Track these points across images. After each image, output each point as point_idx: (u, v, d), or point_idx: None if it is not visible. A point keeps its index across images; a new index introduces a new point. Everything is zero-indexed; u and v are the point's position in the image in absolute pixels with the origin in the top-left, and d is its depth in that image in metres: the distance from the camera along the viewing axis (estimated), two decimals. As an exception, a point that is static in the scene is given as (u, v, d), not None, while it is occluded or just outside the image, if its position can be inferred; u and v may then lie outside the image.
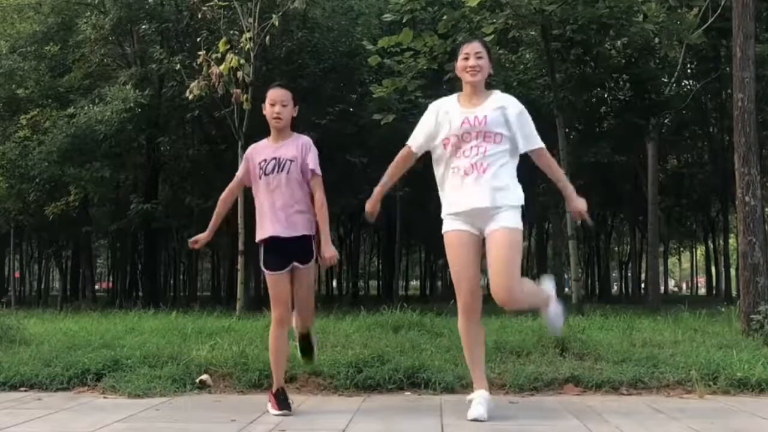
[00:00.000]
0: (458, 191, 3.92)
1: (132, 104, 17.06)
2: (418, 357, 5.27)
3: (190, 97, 12.10)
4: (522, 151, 3.99)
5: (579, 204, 4.03)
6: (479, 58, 3.98)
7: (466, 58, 3.99)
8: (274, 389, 4.17)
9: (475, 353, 4.10)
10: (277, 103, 4.19)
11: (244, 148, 12.97)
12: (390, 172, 4.34)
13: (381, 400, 4.61)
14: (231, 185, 4.39)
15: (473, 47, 4.00)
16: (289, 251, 4.13)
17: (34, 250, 36.79)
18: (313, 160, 4.18)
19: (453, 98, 4.12)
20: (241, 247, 11.98)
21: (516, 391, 4.77)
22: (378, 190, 4.35)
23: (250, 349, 5.51)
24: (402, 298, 21.17)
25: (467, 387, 4.87)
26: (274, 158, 4.17)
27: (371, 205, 4.34)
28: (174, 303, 18.36)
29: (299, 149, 4.19)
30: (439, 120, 4.03)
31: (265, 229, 4.16)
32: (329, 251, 4.12)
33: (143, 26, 19.96)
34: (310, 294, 4.27)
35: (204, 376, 5.05)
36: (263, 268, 4.19)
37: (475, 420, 3.85)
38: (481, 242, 3.95)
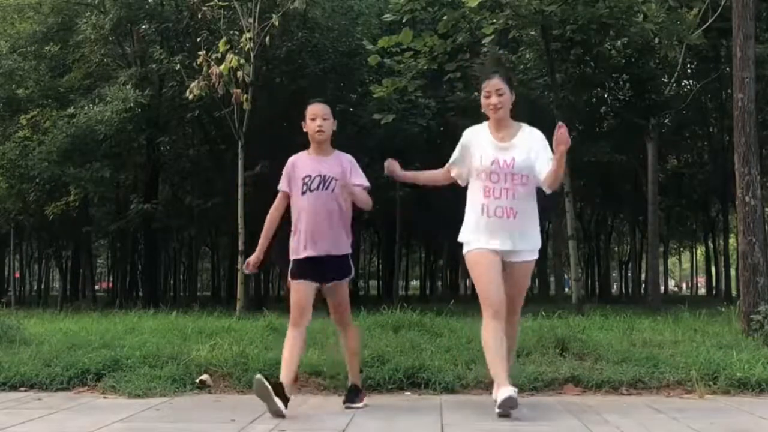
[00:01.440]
0: (479, 231, 4.15)
1: (132, 104, 17.05)
2: (418, 357, 5.27)
3: (190, 97, 12.11)
4: (541, 177, 4.16)
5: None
6: (500, 95, 4.14)
7: (488, 96, 4.16)
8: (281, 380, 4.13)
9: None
10: (318, 117, 4.27)
11: (244, 148, 13.07)
12: (424, 172, 4.73)
13: (381, 400, 4.61)
14: (277, 203, 4.35)
15: (494, 84, 4.15)
16: (324, 269, 4.19)
17: (34, 250, 36.77)
18: (361, 178, 4.29)
19: (483, 127, 4.28)
20: (241, 247, 11.98)
21: (516, 391, 4.76)
22: (405, 174, 4.57)
23: (250, 349, 5.52)
24: (402, 298, 21.16)
25: (467, 387, 4.88)
26: (319, 174, 4.20)
27: (393, 170, 4.46)
28: (174, 303, 18.35)
29: (344, 167, 4.26)
30: (472, 148, 4.22)
31: (304, 250, 4.18)
32: (353, 188, 4.21)
33: (143, 26, 19.96)
34: (346, 304, 4.37)
35: (204, 376, 5.05)
36: (290, 279, 4.23)
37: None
38: (501, 261, 4.17)
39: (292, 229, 4.26)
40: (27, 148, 17.80)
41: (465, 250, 4.23)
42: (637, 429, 3.73)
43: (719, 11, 11.04)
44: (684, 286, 63.30)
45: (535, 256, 4.27)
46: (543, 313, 7.80)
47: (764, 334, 6.23)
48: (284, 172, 4.34)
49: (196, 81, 12.00)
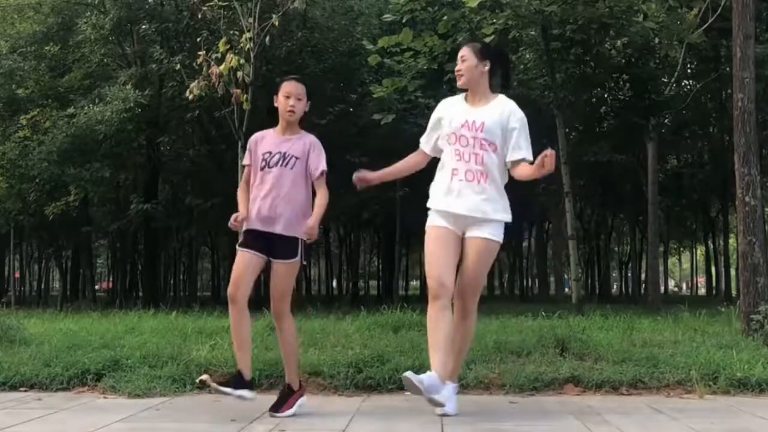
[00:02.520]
0: (447, 193, 4.01)
1: (132, 104, 17.07)
2: (418, 357, 5.26)
3: (190, 97, 12.11)
4: (507, 159, 4.01)
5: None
6: (463, 61, 4.10)
7: (457, 63, 4.15)
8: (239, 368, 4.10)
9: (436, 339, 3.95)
10: (292, 96, 4.18)
11: (244, 148, 13.06)
12: (396, 165, 4.44)
13: (381, 400, 4.60)
14: (244, 178, 4.26)
15: (460, 53, 4.16)
16: (273, 245, 4.03)
17: (34, 250, 36.79)
18: (320, 160, 4.13)
19: (459, 98, 4.21)
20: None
21: (516, 391, 4.76)
22: (377, 173, 4.39)
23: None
24: (402, 298, 21.15)
25: (467, 387, 4.87)
26: (279, 152, 4.10)
27: (363, 178, 4.30)
28: (174, 303, 18.35)
29: (306, 147, 4.14)
30: (443, 115, 4.14)
31: (254, 221, 4.07)
32: (312, 224, 3.98)
33: (143, 26, 19.97)
34: (286, 289, 4.10)
35: (204, 376, 5.03)
36: (237, 247, 4.10)
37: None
38: (461, 241, 4.03)
39: (250, 201, 4.14)
40: (27, 148, 17.82)
41: (427, 223, 4.11)
42: (637, 429, 3.73)
43: (719, 11, 11.03)
44: (684, 286, 63.33)
45: (499, 238, 4.02)
46: (543, 313, 7.80)
47: (764, 334, 6.23)
48: (248, 146, 4.27)
49: (196, 81, 12.00)
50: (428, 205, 4.13)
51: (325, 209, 4.10)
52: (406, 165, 4.37)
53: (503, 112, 4.01)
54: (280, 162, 4.08)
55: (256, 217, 4.05)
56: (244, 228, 4.10)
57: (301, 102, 4.21)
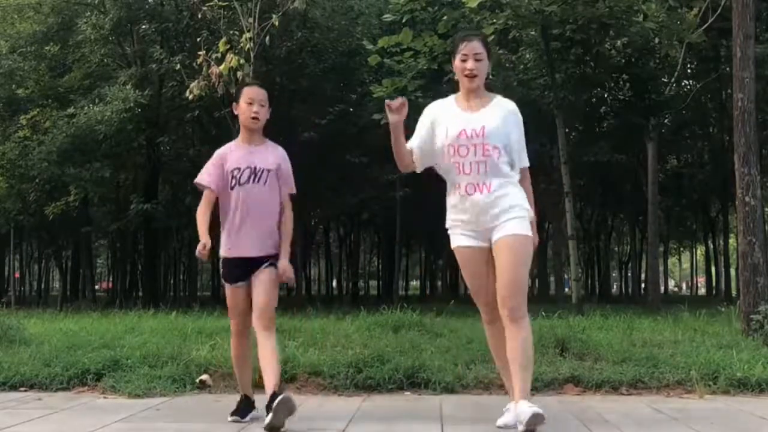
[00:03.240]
0: (461, 211, 3.67)
1: (132, 104, 17.07)
2: (418, 357, 5.27)
3: (190, 97, 12.10)
4: (514, 168, 3.71)
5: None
6: (478, 60, 3.62)
7: (464, 60, 3.64)
8: (240, 394, 4.07)
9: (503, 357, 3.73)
10: (255, 102, 3.89)
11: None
12: (402, 143, 3.78)
13: (381, 400, 4.60)
14: (203, 202, 3.94)
15: (473, 48, 3.62)
16: (254, 267, 3.86)
17: (34, 250, 36.80)
18: (290, 177, 3.96)
19: (450, 100, 3.79)
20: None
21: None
22: (399, 130, 3.73)
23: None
24: (402, 298, 21.17)
25: (467, 387, 4.88)
26: (249, 167, 3.84)
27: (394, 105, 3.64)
28: (174, 303, 18.35)
29: (277, 160, 3.91)
30: (437, 121, 3.71)
31: (234, 248, 3.86)
32: (286, 266, 3.86)
33: (143, 26, 19.97)
34: (271, 301, 3.85)
35: (204, 376, 5.05)
36: (223, 280, 3.97)
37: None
38: (490, 251, 3.68)
39: (221, 225, 3.93)
40: (27, 148, 17.82)
41: (451, 240, 3.78)
42: (637, 429, 3.73)
43: (719, 11, 11.03)
44: (684, 286, 63.31)
45: (527, 232, 3.62)
46: (543, 313, 7.80)
47: (764, 334, 6.24)
48: (210, 164, 3.96)
49: (196, 81, 11.99)
50: (447, 225, 3.79)
51: (291, 234, 3.93)
52: (403, 150, 3.75)
53: (505, 115, 3.67)
54: (251, 178, 3.83)
55: (233, 244, 3.86)
56: (222, 254, 3.91)
57: (264, 108, 3.93)
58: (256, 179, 3.83)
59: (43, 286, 40.84)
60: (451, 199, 3.73)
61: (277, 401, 3.48)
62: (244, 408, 3.98)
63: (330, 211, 26.33)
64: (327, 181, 19.54)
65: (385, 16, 14.55)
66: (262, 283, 3.82)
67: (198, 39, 13.89)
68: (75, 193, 18.48)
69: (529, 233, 3.64)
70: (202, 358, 5.31)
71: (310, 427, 3.83)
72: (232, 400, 4.16)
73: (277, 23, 12.31)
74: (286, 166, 3.95)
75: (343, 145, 18.80)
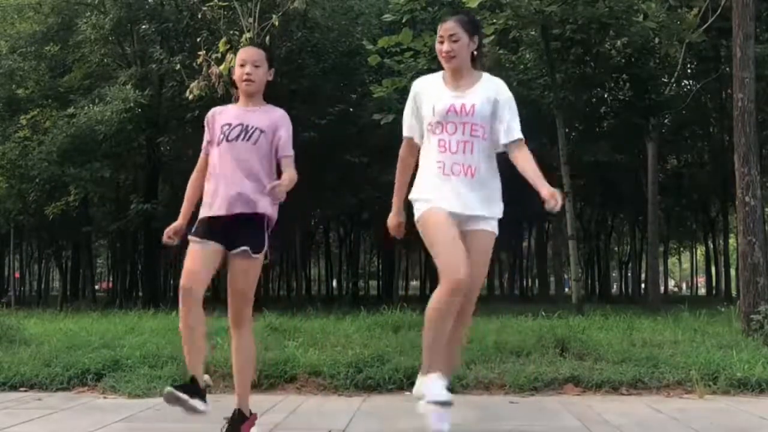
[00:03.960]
0: (441, 191, 3.44)
1: (132, 104, 17.08)
2: (418, 357, 5.26)
3: (190, 97, 12.12)
4: (501, 142, 3.49)
5: (548, 190, 3.40)
6: (454, 41, 3.47)
7: (441, 41, 3.51)
8: (188, 376, 3.42)
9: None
10: (247, 63, 3.55)
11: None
12: (399, 177, 3.67)
13: (381, 400, 4.60)
14: (199, 163, 3.63)
15: (446, 28, 3.49)
16: (233, 231, 3.38)
17: (34, 250, 36.80)
18: (288, 139, 3.52)
19: (437, 76, 3.62)
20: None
21: (516, 391, 4.77)
22: (395, 202, 3.71)
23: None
24: (402, 298, 21.17)
25: (467, 387, 4.88)
26: (240, 124, 3.48)
27: (394, 221, 3.71)
28: (174, 303, 18.32)
29: (273, 121, 3.51)
30: (422, 97, 3.55)
31: (213, 206, 3.42)
32: (279, 184, 3.33)
33: (143, 26, 19.99)
34: (249, 291, 3.45)
35: (204, 376, 5.04)
36: (190, 236, 3.44)
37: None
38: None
39: (204, 195, 3.52)
40: (27, 148, 17.83)
41: (417, 210, 3.50)
42: (637, 429, 3.73)
43: (719, 11, 11.03)
44: (684, 286, 63.33)
45: (495, 229, 3.54)
46: (543, 313, 7.81)
47: (764, 334, 6.24)
48: (205, 123, 3.65)
49: (196, 81, 12.01)
50: (412, 197, 3.56)
51: (294, 183, 3.45)
52: (404, 168, 3.66)
53: (491, 92, 3.51)
54: (241, 135, 3.45)
55: (212, 200, 3.43)
56: (205, 214, 3.46)
57: (260, 69, 3.55)
58: (246, 137, 3.44)
59: (43, 286, 40.85)
60: (429, 178, 3.48)
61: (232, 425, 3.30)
62: (188, 389, 3.33)
63: (330, 211, 26.33)
64: (327, 181, 19.55)
65: (385, 16, 14.56)
66: (241, 270, 3.39)
67: (198, 39, 13.91)
68: (75, 193, 18.49)
69: (496, 232, 3.55)
70: (202, 358, 5.30)
71: (311, 427, 3.83)
72: (232, 400, 4.14)
73: (277, 23, 12.32)
74: (285, 129, 3.53)
75: (343, 145, 18.79)
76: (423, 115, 3.54)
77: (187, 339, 3.37)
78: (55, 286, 44.09)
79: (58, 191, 18.90)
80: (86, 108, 17.32)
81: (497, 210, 3.55)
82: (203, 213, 3.46)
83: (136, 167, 22.53)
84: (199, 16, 13.80)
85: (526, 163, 3.46)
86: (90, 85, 19.79)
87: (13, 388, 5.02)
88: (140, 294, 25.00)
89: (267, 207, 3.43)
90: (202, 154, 3.63)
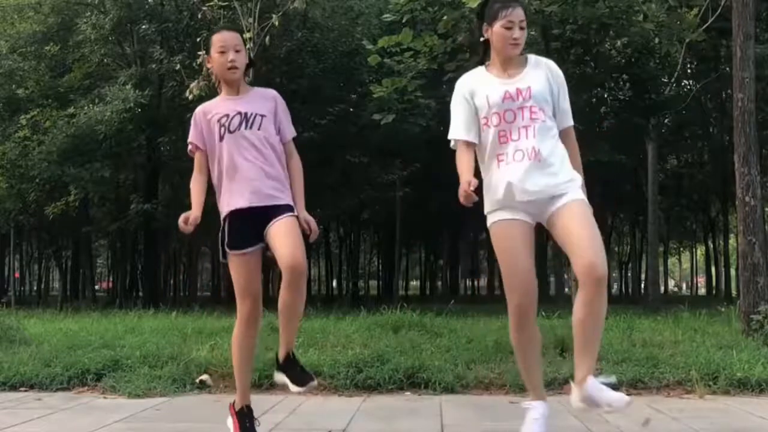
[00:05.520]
0: (506, 183, 3.23)
1: (132, 104, 17.09)
2: (418, 357, 5.27)
3: (190, 97, 12.10)
4: (558, 127, 3.35)
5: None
6: (522, 28, 3.33)
7: (509, 27, 3.30)
8: (237, 405, 3.33)
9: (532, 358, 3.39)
10: (229, 49, 3.27)
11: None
12: (463, 167, 3.30)
13: (381, 400, 4.60)
14: (196, 165, 3.40)
15: (518, 15, 3.32)
16: (262, 222, 3.20)
17: (34, 250, 36.79)
18: (289, 121, 3.40)
19: (480, 71, 3.43)
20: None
21: (516, 391, 4.76)
22: (465, 180, 3.22)
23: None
24: (402, 298, 21.17)
25: (467, 387, 4.87)
26: (239, 112, 3.26)
27: (465, 187, 3.19)
28: (174, 303, 18.35)
29: (271, 104, 3.35)
30: (474, 93, 3.35)
31: (236, 198, 3.24)
32: (307, 217, 3.30)
33: (143, 26, 20.00)
34: (298, 241, 3.17)
35: (204, 376, 5.05)
36: (227, 249, 3.26)
37: None
38: (535, 231, 3.30)
39: (216, 190, 3.33)
40: (27, 148, 17.83)
41: (488, 221, 3.33)
42: (637, 429, 3.73)
43: (719, 11, 11.03)
44: (684, 286, 63.32)
45: (582, 194, 3.23)
46: (543, 313, 7.81)
47: (764, 334, 6.24)
48: (192, 123, 3.39)
49: (196, 81, 12.00)
50: (486, 211, 3.35)
51: (303, 184, 3.40)
52: (470, 167, 3.31)
53: (544, 72, 3.37)
54: (243, 124, 3.25)
55: (233, 196, 3.26)
56: (224, 210, 3.30)
57: (241, 53, 3.31)
58: (249, 125, 3.25)
59: (43, 286, 40.84)
60: (497, 174, 3.28)
61: (293, 373, 3.19)
62: (249, 422, 3.30)
63: (330, 211, 26.34)
64: (327, 181, 19.57)
65: (385, 16, 14.54)
66: (281, 233, 3.14)
67: (198, 39, 13.90)
68: (75, 193, 18.50)
69: (585, 199, 3.27)
70: (202, 358, 5.31)
71: (311, 427, 3.83)
72: (232, 400, 4.14)
73: (277, 23, 12.31)
74: (282, 108, 3.39)
75: (343, 145, 18.80)
76: (479, 110, 3.32)
77: (241, 362, 3.33)
78: (55, 286, 44.09)
79: (58, 191, 18.91)
80: (86, 108, 17.33)
81: (570, 182, 3.25)
82: (229, 206, 3.27)
83: (136, 167, 22.54)
84: (199, 16, 13.80)
85: (571, 151, 3.37)
86: (90, 85, 19.80)
87: (13, 388, 5.02)
88: (140, 294, 25.00)
89: (287, 196, 3.30)
90: (196, 159, 3.40)
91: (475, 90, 3.34)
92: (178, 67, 15.27)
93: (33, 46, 20.10)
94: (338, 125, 18.19)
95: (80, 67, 20.13)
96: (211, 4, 12.41)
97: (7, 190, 18.75)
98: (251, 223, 3.21)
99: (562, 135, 3.37)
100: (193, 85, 12.02)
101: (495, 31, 3.33)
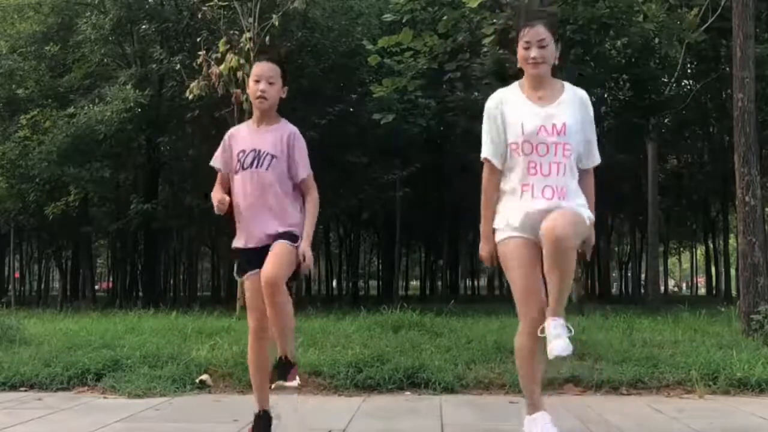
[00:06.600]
0: (525, 213, 3.25)
1: (132, 104, 17.09)
2: (418, 357, 5.27)
3: (190, 97, 12.12)
4: (580, 165, 3.40)
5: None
6: (542, 47, 3.28)
7: (527, 48, 3.29)
8: (254, 408, 3.57)
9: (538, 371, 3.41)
10: (262, 79, 3.48)
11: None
12: (486, 211, 3.40)
13: (381, 400, 4.60)
14: (218, 179, 3.66)
15: (535, 34, 3.29)
16: (264, 253, 3.42)
17: (34, 250, 36.78)
18: (302, 161, 3.53)
19: (515, 89, 3.39)
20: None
21: (516, 391, 4.75)
22: (484, 232, 3.41)
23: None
24: (402, 298, 21.16)
25: (467, 387, 4.88)
26: (254, 149, 3.48)
27: (487, 251, 3.41)
28: (174, 303, 18.36)
29: (284, 143, 3.50)
30: (506, 116, 3.33)
31: (240, 238, 3.54)
32: (305, 250, 3.44)
33: (143, 26, 20.00)
34: (279, 266, 3.36)
35: (204, 376, 5.05)
36: (236, 277, 3.60)
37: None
38: (540, 248, 3.27)
39: (235, 215, 3.57)
40: (27, 148, 17.82)
41: (498, 237, 3.35)
42: (637, 429, 3.73)
43: (719, 11, 11.03)
44: (684, 286, 63.33)
45: (584, 216, 3.26)
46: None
47: (764, 334, 6.24)
48: (220, 146, 3.63)
49: (196, 81, 12.02)
50: (496, 226, 3.37)
51: (315, 220, 3.55)
52: (492, 200, 3.39)
53: (579, 107, 3.34)
54: (255, 163, 3.47)
55: (243, 233, 3.52)
56: (234, 244, 3.56)
57: (274, 86, 3.50)
58: (259, 164, 3.46)
59: (43, 286, 40.83)
60: (513, 200, 3.30)
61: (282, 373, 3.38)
62: (266, 426, 3.51)
63: (330, 211, 26.35)
64: (327, 181, 19.57)
65: (385, 16, 14.55)
66: (271, 255, 3.37)
67: (198, 39, 13.91)
68: (75, 193, 18.49)
69: (581, 213, 3.28)
70: (202, 358, 5.31)
71: (310, 427, 3.83)
72: (232, 400, 4.16)
73: (277, 23, 12.32)
74: (299, 146, 3.53)
75: (343, 145, 18.79)
76: (510, 137, 3.30)
77: (255, 372, 3.58)
78: (55, 286, 44.08)
79: (58, 191, 18.89)
80: (86, 108, 17.32)
81: (581, 206, 3.30)
82: (237, 243, 3.56)
83: (136, 167, 22.53)
84: (199, 16, 13.79)
85: (588, 189, 3.47)
86: (90, 85, 19.78)
87: (13, 388, 5.02)
88: (140, 294, 25.00)
89: (295, 226, 3.48)
90: (218, 177, 3.65)
91: (510, 115, 3.32)
92: (178, 67, 15.28)
93: (33, 46, 20.09)
94: (338, 125, 18.19)
95: (80, 67, 20.12)
96: (211, 4, 12.41)
97: (7, 190, 18.74)
98: (256, 253, 3.46)
99: (582, 172, 3.43)
100: (193, 85, 12.04)
101: (518, 52, 3.34)
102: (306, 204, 3.56)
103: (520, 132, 3.26)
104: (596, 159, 3.49)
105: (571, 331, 3.22)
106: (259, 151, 3.48)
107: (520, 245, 3.28)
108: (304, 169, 3.53)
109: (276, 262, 3.35)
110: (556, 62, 3.36)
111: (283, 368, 3.42)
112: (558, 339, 3.16)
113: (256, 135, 3.53)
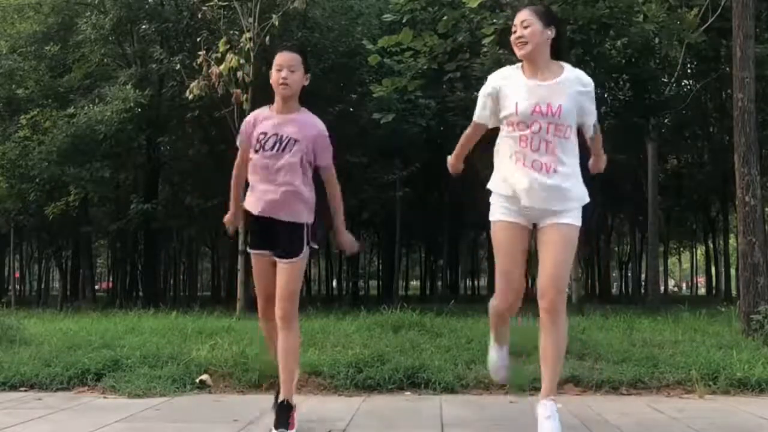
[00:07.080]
0: (518, 182, 3.40)
1: (132, 104, 17.10)
2: (418, 357, 5.27)
3: (190, 97, 12.14)
4: (588, 135, 3.57)
5: (598, 168, 3.79)
6: (526, 27, 3.40)
7: (514, 31, 3.44)
8: (278, 398, 3.62)
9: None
10: (284, 68, 3.64)
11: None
12: (464, 143, 3.74)
13: (381, 400, 4.60)
14: (239, 155, 3.75)
15: (519, 17, 3.45)
16: (277, 235, 3.56)
17: (34, 250, 36.80)
18: (325, 151, 3.66)
19: (516, 69, 3.53)
20: (241, 246, 12.00)
21: (516, 391, 4.77)
22: (457, 152, 3.78)
23: (250, 349, 5.51)
24: (402, 298, 21.17)
25: (467, 387, 4.87)
26: (276, 134, 3.57)
27: (455, 163, 3.82)
28: (174, 303, 18.35)
29: (309, 131, 3.60)
30: (503, 92, 3.46)
31: (251, 200, 3.61)
32: (347, 239, 3.73)
33: (143, 26, 20.01)
34: (294, 287, 3.58)
35: (204, 376, 5.05)
36: (248, 249, 3.73)
37: None
38: (531, 234, 3.52)
39: (251, 184, 3.70)
40: (27, 148, 17.83)
41: (491, 210, 3.52)
42: (637, 429, 3.73)
43: (719, 11, 11.03)
44: (684, 286, 63.35)
45: (579, 222, 3.44)
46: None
47: (764, 334, 6.24)
48: (243, 126, 3.74)
49: (196, 81, 12.03)
50: (490, 186, 3.55)
51: (342, 206, 3.76)
52: (470, 143, 3.73)
53: (575, 87, 3.46)
54: (276, 146, 3.55)
55: (260, 201, 3.58)
56: (245, 206, 3.68)
57: (296, 74, 3.65)
58: (281, 148, 3.54)
59: (43, 286, 40.83)
60: (505, 167, 3.46)
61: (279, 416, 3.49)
62: (285, 415, 3.52)
63: (330, 211, 26.37)
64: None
65: (385, 16, 14.56)
66: (285, 272, 3.53)
67: (198, 39, 13.91)
68: (75, 193, 18.49)
69: (580, 222, 3.46)
70: (202, 358, 5.30)
71: (310, 428, 3.83)
72: (232, 400, 4.16)
73: (277, 23, 12.33)
74: (322, 139, 3.64)
75: (343, 145, 18.75)
76: (504, 112, 3.44)
77: (274, 354, 3.67)
78: (55, 286, 44.08)
79: (58, 191, 18.90)
80: (86, 108, 17.33)
81: (574, 202, 3.45)
82: (248, 206, 3.63)
83: (136, 167, 22.53)
84: (199, 16, 13.81)
85: (596, 148, 3.72)
86: (90, 85, 19.79)
87: (13, 388, 5.02)
88: (140, 294, 25.00)
89: (306, 217, 3.60)
90: (240, 152, 3.74)
91: (507, 92, 3.45)
92: (178, 67, 15.28)
93: (33, 46, 20.10)
94: (338, 125, 18.17)
95: (80, 67, 20.12)
96: (211, 4, 12.43)
97: (7, 190, 18.74)
98: (265, 229, 3.58)
99: (592, 139, 3.64)
100: (193, 85, 12.05)
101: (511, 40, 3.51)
102: (328, 194, 3.71)
103: (514, 110, 3.39)
104: (596, 130, 3.65)
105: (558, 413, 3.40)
106: (282, 136, 3.57)
107: (507, 229, 3.49)
108: (325, 156, 3.67)
109: (283, 295, 3.52)
110: (554, 44, 3.51)
111: (283, 414, 3.52)
112: (548, 420, 3.32)
113: (278, 120, 3.62)
